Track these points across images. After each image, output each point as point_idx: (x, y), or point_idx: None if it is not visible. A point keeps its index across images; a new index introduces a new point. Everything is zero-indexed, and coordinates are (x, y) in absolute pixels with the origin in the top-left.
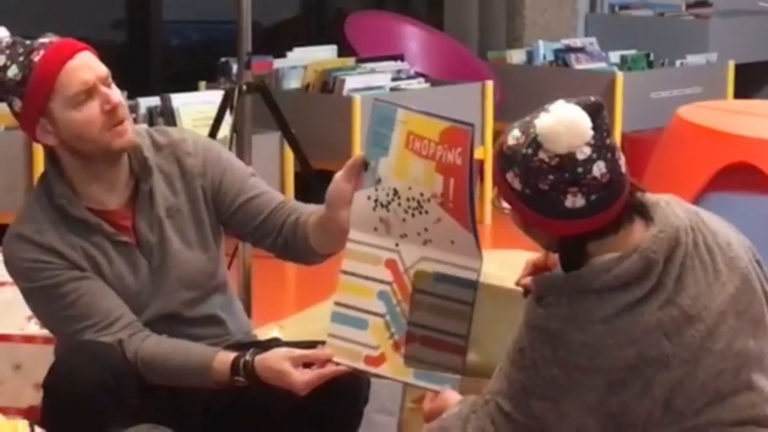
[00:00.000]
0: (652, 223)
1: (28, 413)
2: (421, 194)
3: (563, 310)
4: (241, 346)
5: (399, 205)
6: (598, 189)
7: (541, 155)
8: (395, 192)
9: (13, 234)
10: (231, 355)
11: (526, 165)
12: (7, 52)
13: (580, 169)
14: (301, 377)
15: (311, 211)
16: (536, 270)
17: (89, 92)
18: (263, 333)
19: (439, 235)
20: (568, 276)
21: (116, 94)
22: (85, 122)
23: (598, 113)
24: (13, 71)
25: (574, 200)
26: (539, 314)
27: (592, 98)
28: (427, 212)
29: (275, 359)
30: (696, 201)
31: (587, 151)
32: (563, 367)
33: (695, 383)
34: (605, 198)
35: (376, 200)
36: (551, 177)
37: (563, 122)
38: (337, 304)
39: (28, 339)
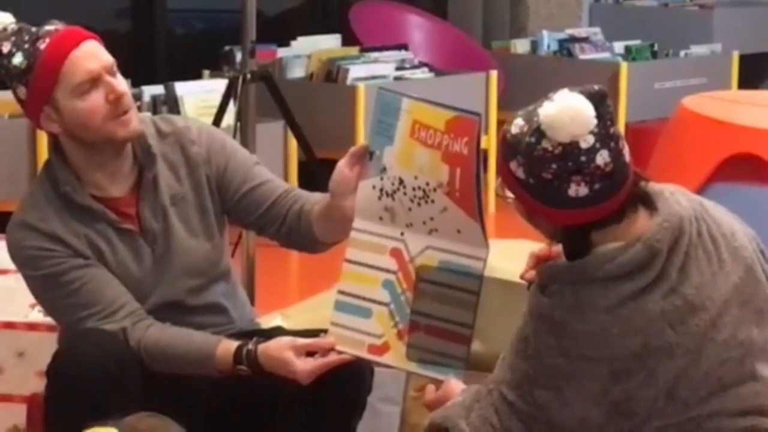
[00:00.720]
0: (656, 213)
1: (30, 401)
2: (427, 183)
3: (567, 300)
4: (245, 335)
5: (404, 194)
6: (601, 178)
7: (545, 144)
8: (401, 181)
9: (17, 222)
10: (234, 344)
11: (530, 154)
12: (13, 39)
13: (583, 158)
14: (304, 366)
15: (315, 199)
16: (539, 262)
17: (94, 81)
18: (267, 322)
19: (445, 224)
20: (572, 265)
21: (121, 84)
22: (89, 111)
23: (602, 102)
24: (18, 59)
25: (578, 189)
26: (543, 303)
27: (596, 87)
28: (433, 201)
29: (278, 348)
30: (700, 191)
31: (591, 139)
32: (567, 356)
33: (699, 372)
34: (609, 187)
35: (381, 189)
36: (554, 166)
37: (566, 111)
38: (341, 292)
39: (32, 326)
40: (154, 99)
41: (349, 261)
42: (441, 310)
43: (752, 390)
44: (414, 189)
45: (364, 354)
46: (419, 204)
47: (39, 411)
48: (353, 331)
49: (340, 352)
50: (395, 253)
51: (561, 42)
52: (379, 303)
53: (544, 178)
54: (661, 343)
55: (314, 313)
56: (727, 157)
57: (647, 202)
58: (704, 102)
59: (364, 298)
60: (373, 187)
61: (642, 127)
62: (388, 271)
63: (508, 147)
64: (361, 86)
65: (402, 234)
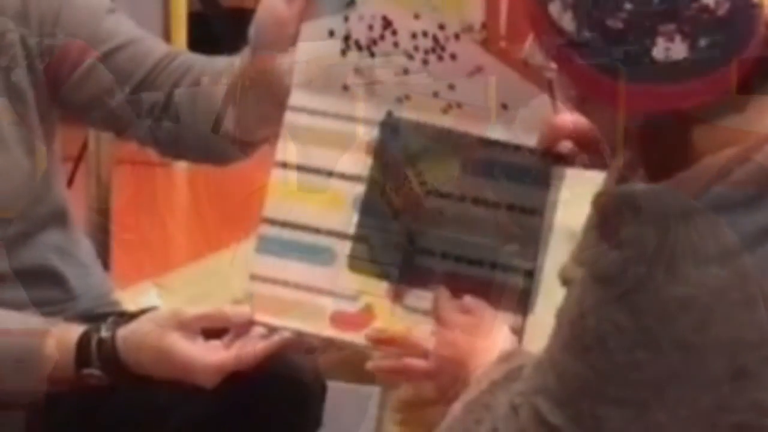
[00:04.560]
0: None
1: None
2: (441, 26)
3: (649, 248)
4: (94, 319)
5: (395, 44)
6: (711, 28)
7: None
8: (386, 23)
9: None
10: (75, 331)
11: None
12: None
13: None
14: (207, 357)
15: (221, 68)
16: (557, 133)
17: None
18: (133, 298)
19: (477, 94)
20: (657, 190)
21: None
22: None
23: None
24: None
25: (670, 47)
26: (609, 259)
27: None
28: (453, 57)
29: (152, 330)
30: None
31: None
32: (654, 347)
33: None
34: (724, 45)
35: (347, 38)
36: (629, 6)
37: None
38: (268, 221)
39: None
40: None
41: (285, 165)
42: (471, 244)
43: None
44: (414, 36)
45: (323, 330)
46: (425, 61)
47: None
48: (298, 288)
49: (273, 329)
50: (374, 148)
51: None
52: (349, 237)
53: (610, 30)
54: None
55: (209, 283)
56: None
57: None
58: None
59: (319, 230)
60: (331, 34)
61: None
62: (360, 178)
63: None
64: None
65: (390, 114)
